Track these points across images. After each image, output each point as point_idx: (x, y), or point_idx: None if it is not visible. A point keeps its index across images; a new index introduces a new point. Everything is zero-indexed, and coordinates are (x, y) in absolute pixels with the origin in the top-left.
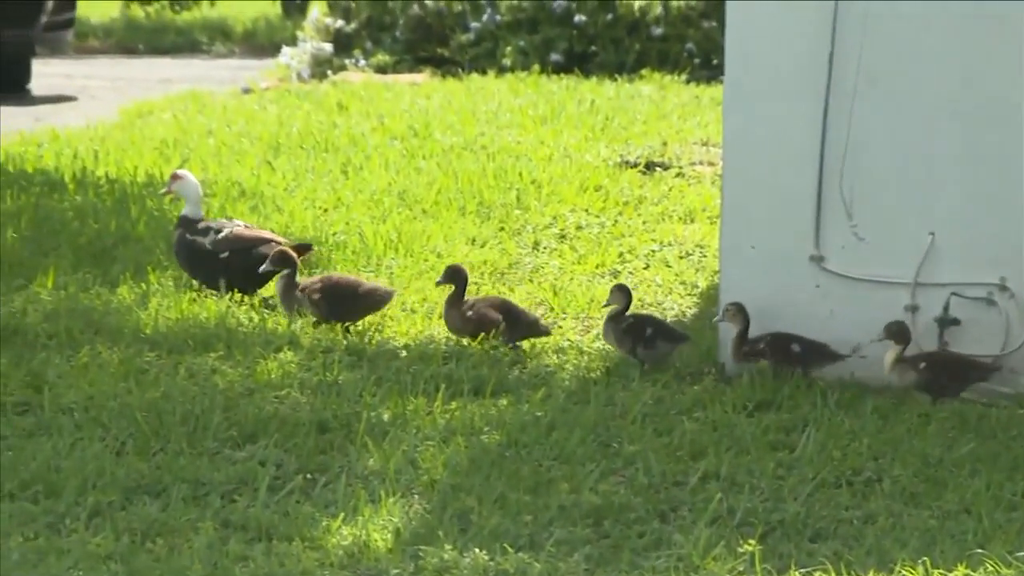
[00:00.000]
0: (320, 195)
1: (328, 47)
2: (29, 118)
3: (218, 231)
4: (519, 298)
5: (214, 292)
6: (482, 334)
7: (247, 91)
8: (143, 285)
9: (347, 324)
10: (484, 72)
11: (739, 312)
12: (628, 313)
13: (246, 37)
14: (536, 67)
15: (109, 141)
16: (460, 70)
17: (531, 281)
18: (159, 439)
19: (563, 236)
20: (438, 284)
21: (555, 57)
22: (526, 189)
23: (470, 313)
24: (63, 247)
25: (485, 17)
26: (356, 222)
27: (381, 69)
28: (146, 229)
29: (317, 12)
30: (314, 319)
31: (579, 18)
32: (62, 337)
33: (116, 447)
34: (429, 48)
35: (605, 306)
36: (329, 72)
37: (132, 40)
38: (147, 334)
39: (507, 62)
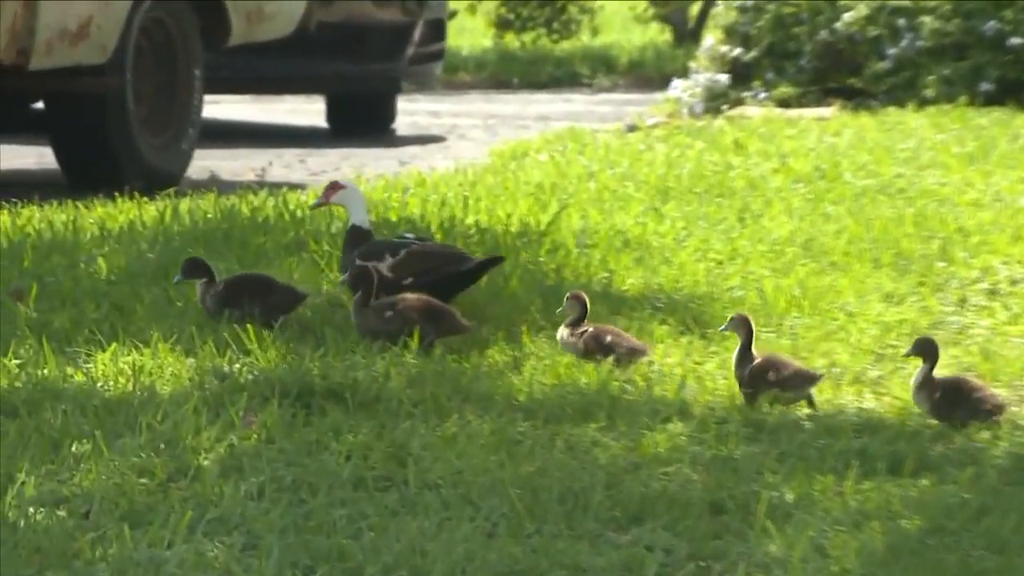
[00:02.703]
0: (714, 245)
1: (724, 78)
2: (393, 161)
3: (394, 251)
4: (943, 364)
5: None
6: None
7: (632, 129)
8: (516, 347)
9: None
10: (902, 105)
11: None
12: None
13: (631, 68)
14: (963, 98)
15: (479, 186)
16: (874, 102)
17: (956, 344)
18: (534, 519)
19: (994, 292)
20: (341, 285)
21: (985, 86)
22: (951, 238)
23: (389, 314)
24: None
25: (904, 42)
26: (755, 276)
27: (784, 102)
28: (519, 284)
29: (712, 39)
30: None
31: (1014, 41)
32: (428, 404)
33: (487, 528)
34: (839, 78)
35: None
36: (725, 106)
37: (506, 73)
38: (520, 401)
39: (929, 93)
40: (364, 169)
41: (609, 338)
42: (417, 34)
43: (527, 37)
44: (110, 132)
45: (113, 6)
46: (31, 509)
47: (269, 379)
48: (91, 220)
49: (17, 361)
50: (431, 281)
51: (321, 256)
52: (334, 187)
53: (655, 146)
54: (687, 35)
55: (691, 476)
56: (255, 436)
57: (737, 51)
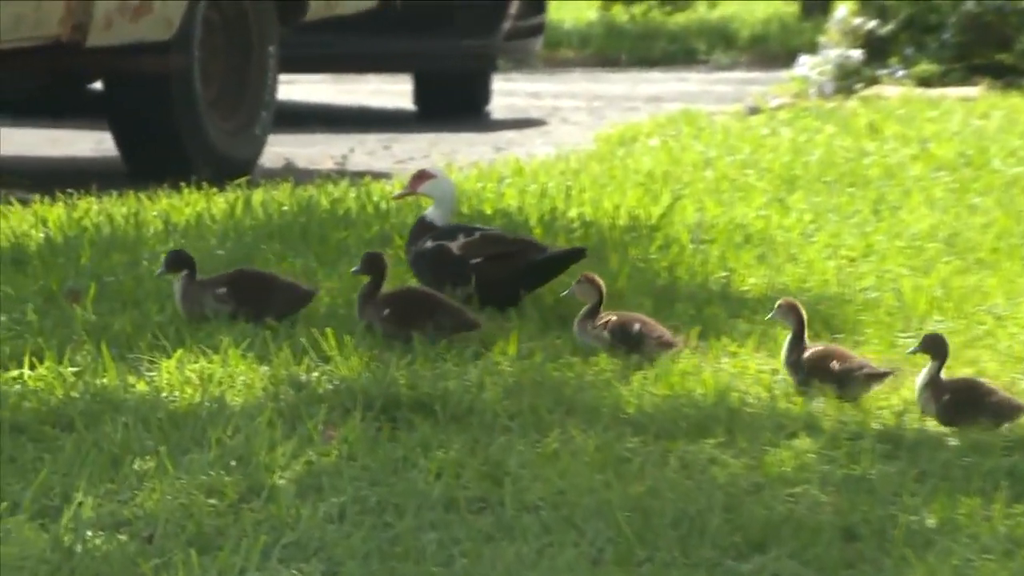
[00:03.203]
0: (846, 241)
1: (857, 54)
2: (488, 147)
3: (469, 232)
4: None
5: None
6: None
7: (754, 110)
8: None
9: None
10: None
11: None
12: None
13: (754, 43)
14: None
15: (583, 175)
16: None
17: None
18: (645, 545)
19: None
20: (353, 273)
21: None
22: None
23: (386, 312)
24: (527, 305)
25: None
26: (891, 275)
27: (924, 81)
28: (628, 284)
29: (844, 11)
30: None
31: None
32: (526, 417)
33: (592, 554)
34: (986, 54)
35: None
36: (858, 86)
37: (613, 49)
38: (629, 414)
39: None
40: (455, 156)
41: (637, 326)
42: (514, 7)
43: (637, 9)
44: (175, 116)
45: None
46: (89, 532)
47: (351, 389)
48: (154, 213)
49: (74, 369)
50: (508, 274)
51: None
52: (422, 176)
53: (779, 130)
54: (816, 6)
55: (820, 498)
56: (335, 452)
57: (872, 24)
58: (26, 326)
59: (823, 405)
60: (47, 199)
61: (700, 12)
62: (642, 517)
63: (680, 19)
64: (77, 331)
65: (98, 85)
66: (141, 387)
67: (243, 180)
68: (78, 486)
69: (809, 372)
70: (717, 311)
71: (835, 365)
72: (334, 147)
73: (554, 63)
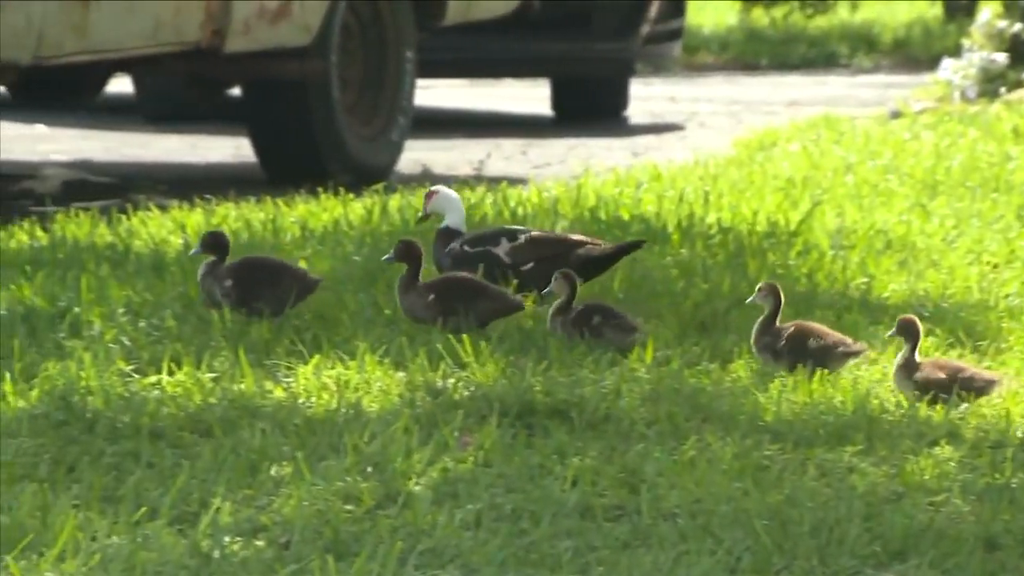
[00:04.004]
0: (988, 247)
1: (1002, 58)
2: (626, 152)
3: (512, 237)
4: None
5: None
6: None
7: (896, 115)
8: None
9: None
10: None
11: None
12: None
13: (896, 47)
14: None
15: (722, 180)
16: None
17: None
18: (783, 554)
19: None
20: (387, 261)
21: None
22: None
23: (432, 297)
24: (664, 312)
25: None
26: None
27: None
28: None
29: (988, 14)
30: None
31: None
32: (663, 425)
33: (730, 563)
34: None
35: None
36: (1002, 89)
37: (753, 54)
38: (767, 422)
39: None
40: (592, 161)
41: (597, 318)
42: (653, 10)
43: (777, 13)
44: (313, 121)
45: None
46: (227, 538)
47: (487, 396)
48: (292, 219)
49: (212, 375)
50: (560, 268)
51: None
52: (429, 195)
53: (922, 134)
54: (959, 9)
55: (961, 507)
56: (471, 459)
57: (1017, 27)
58: (165, 332)
59: (965, 412)
60: (186, 205)
61: (841, 15)
62: (780, 525)
63: (821, 22)
64: (215, 337)
65: (236, 91)
66: (278, 393)
67: (380, 186)
68: (216, 492)
69: (790, 351)
70: (857, 318)
71: (812, 343)
72: (471, 152)
73: (693, 67)
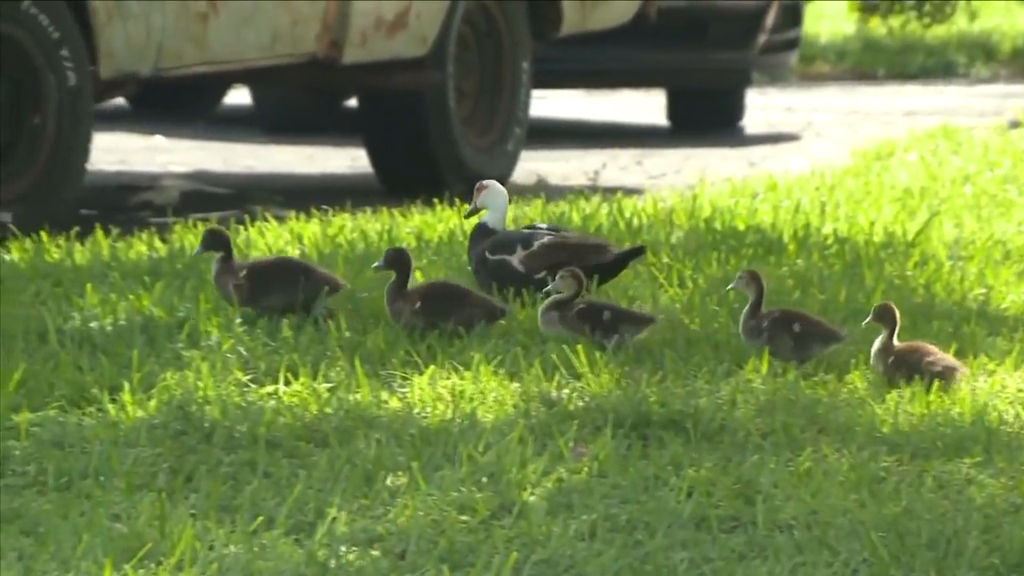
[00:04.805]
0: None
1: None
2: (742, 162)
3: (527, 243)
4: None
5: None
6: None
7: (1015, 124)
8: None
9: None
10: None
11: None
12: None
13: (1015, 56)
14: None
15: (839, 190)
16: None
17: None
18: (900, 566)
19: None
20: (376, 269)
21: None
22: None
23: (419, 304)
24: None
25: None
26: None
27: None
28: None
29: None
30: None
31: None
32: (779, 436)
33: (846, 575)
34: None
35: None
36: None
37: (870, 63)
38: (884, 433)
39: None
40: (708, 171)
41: (607, 314)
42: (770, 20)
43: (895, 22)
44: (429, 132)
45: None
46: (343, 548)
47: (601, 406)
48: (408, 229)
49: (328, 385)
50: None
51: (660, 269)
52: (480, 188)
53: None
54: None
55: None
56: (586, 469)
57: None
58: (281, 342)
59: None
60: (302, 216)
61: (959, 24)
62: (897, 538)
63: (939, 32)
64: (331, 347)
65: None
66: (394, 403)
67: None
68: (332, 502)
69: (771, 336)
70: (975, 329)
71: (797, 327)
72: (586, 162)
73: (809, 77)
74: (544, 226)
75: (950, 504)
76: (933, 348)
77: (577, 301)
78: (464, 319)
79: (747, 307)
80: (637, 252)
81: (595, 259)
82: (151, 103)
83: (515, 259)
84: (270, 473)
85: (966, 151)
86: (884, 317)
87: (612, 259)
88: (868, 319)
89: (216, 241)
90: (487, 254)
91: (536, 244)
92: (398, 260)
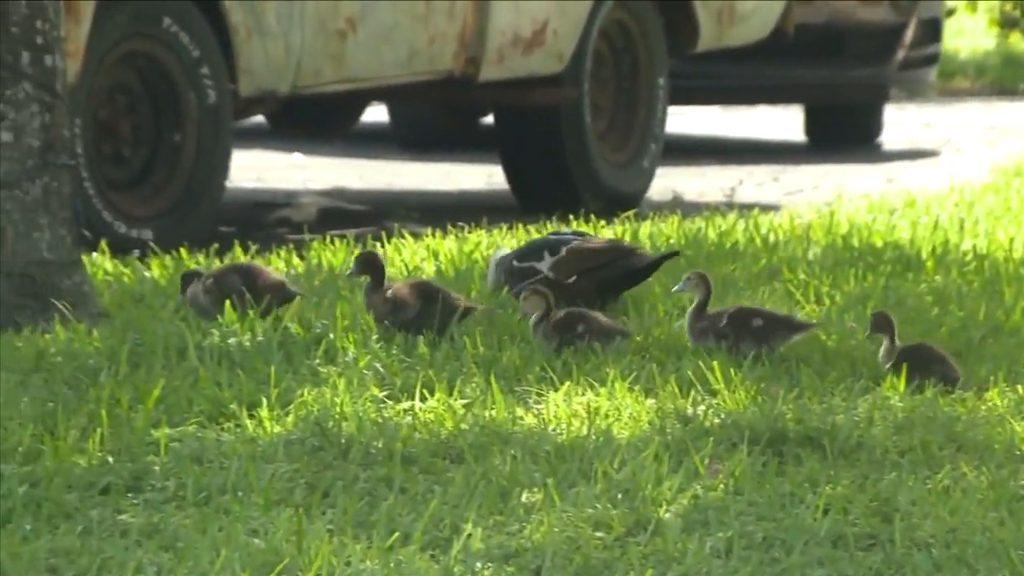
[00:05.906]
0: None
1: None
2: (880, 178)
3: (554, 250)
4: None
5: None
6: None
7: None
8: (1019, 389)
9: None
10: None
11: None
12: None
13: None
14: None
15: (978, 206)
16: None
17: None
18: None
19: None
20: (348, 277)
21: None
22: None
23: (389, 293)
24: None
25: None
26: None
27: None
28: (1023, 318)
29: None
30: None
31: None
32: (916, 453)
33: None
34: None
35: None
36: None
37: (1010, 79)
38: (1023, 451)
39: None
40: (845, 187)
41: (581, 326)
42: (908, 35)
43: None
44: (565, 149)
45: (571, 7)
46: (478, 564)
47: (737, 423)
48: None
49: (463, 401)
50: (601, 279)
51: (796, 286)
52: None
53: None
54: None
55: None
56: (722, 486)
57: None
58: (417, 358)
59: None
60: (438, 232)
61: None
62: None
63: None
64: (467, 364)
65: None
66: (529, 419)
67: (631, 213)
68: (467, 518)
69: (733, 330)
70: None
71: (758, 321)
72: (722, 179)
73: (948, 92)
74: (569, 232)
75: None
76: (939, 351)
77: (552, 314)
78: (438, 315)
79: (691, 308)
80: (670, 256)
81: (626, 264)
82: (290, 121)
83: (543, 265)
84: (406, 489)
85: None
86: (882, 326)
87: (646, 264)
88: (868, 331)
89: (367, 265)
90: (514, 262)
91: (563, 250)
92: (369, 264)
